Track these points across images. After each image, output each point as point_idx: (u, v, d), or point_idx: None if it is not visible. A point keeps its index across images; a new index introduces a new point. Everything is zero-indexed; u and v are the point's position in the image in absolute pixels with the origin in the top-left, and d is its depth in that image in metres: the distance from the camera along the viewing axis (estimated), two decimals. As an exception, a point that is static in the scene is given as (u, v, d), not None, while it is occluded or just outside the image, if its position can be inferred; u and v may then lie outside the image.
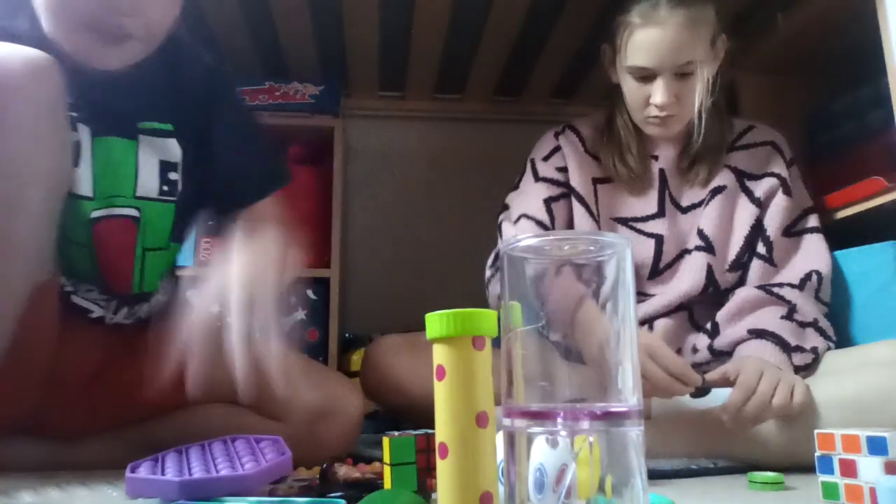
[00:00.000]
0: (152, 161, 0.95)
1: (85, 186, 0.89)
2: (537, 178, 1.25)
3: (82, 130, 0.89)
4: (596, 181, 1.24)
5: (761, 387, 0.95)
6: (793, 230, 1.18)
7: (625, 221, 1.23)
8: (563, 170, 1.24)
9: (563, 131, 1.28)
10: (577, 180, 1.23)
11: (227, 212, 1.02)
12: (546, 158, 1.26)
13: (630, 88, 1.16)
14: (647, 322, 1.22)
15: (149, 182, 0.94)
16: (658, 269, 1.22)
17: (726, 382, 0.99)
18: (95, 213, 0.91)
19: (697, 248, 1.20)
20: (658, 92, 1.11)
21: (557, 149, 1.26)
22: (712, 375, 1.00)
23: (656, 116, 1.14)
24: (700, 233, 1.20)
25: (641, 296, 1.21)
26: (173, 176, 0.96)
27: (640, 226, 1.22)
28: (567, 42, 1.63)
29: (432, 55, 1.71)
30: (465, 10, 1.50)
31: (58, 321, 0.89)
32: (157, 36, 0.88)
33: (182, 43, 0.99)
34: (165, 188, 0.96)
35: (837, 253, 1.20)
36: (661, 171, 1.23)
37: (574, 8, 1.48)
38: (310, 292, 1.64)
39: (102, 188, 0.91)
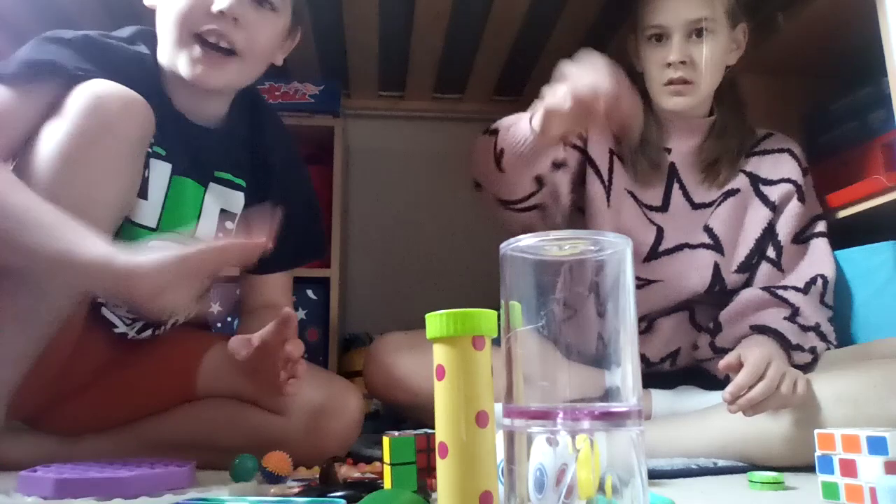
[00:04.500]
0: (214, 208, 1.00)
1: (150, 218, 0.93)
2: None
3: (164, 167, 0.93)
4: (613, 153, 1.23)
5: (770, 373, 0.96)
6: (801, 237, 1.19)
7: (635, 197, 1.22)
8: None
9: None
10: (594, 149, 1.22)
11: (254, 272, 1.08)
12: None
13: (648, 57, 1.17)
14: (650, 321, 1.22)
15: (207, 226, 1.00)
16: (657, 253, 1.21)
17: (737, 366, 0.99)
18: (152, 244, 0.94)
19: (705, 246, 1.20)
20: (672, 50, 1.13)
21: None
22: (725, 361, 1.00)
23: (671, 82, 1.14)
24: (709, 231, 1.20)
25: (637, 280, 1.21)
26: (229, 225, 1.03)
27: (645, 210, 1.22)
28: (567, 42, 1.62)
29: (432, 55, 1.71)
30: (465, 10, 1.50)
31: (81, 327, 0.91)
32: (255, 59, 0.94)
33: (265, 107, 1.09)
34: (220, 235, 1.02)
35: (838, 252, 1.20)
36: (672, 164, 1.23)
37: (574, 8, 1.48)
38: (310, 292, 1.64)
39: (167, 222, 0.95)
